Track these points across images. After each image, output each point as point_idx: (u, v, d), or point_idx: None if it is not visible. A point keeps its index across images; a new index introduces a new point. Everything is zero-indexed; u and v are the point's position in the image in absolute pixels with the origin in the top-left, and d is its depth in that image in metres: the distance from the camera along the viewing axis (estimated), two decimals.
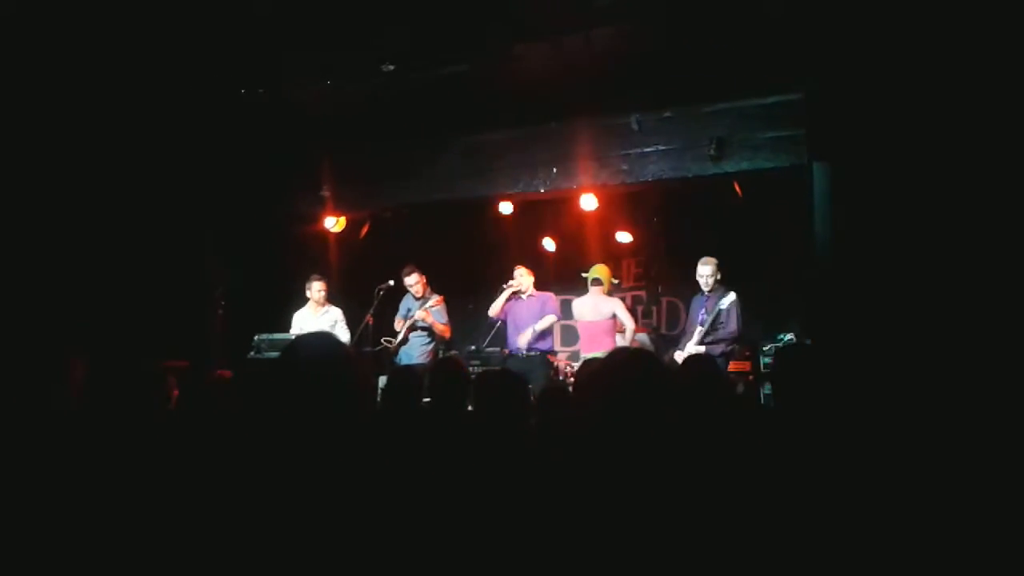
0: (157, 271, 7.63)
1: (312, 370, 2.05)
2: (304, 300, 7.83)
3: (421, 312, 7.46)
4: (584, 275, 7.48)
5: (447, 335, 7.68)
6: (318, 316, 7.69)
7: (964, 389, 4.60)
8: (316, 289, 7.73)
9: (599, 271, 7.41)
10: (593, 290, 7.37)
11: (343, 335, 7.41)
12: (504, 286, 7.73)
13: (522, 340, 7.46)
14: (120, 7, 5.86)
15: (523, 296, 7.73)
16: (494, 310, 7.74)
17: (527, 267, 7.83)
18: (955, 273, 5.35)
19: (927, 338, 5.19)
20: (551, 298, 7.77)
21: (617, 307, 7.32)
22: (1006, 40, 5.26)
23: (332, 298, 7.93)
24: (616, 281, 7.51)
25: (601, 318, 7.28)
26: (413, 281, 7.61)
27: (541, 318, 7.55)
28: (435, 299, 7.57)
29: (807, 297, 6.67)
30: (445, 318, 7.68)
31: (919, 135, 5.59)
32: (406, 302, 7.79)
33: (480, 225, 8.78)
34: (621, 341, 7.22)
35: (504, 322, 7.78)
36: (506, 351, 7.67)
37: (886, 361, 5.09)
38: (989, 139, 5.34)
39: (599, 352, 6.40)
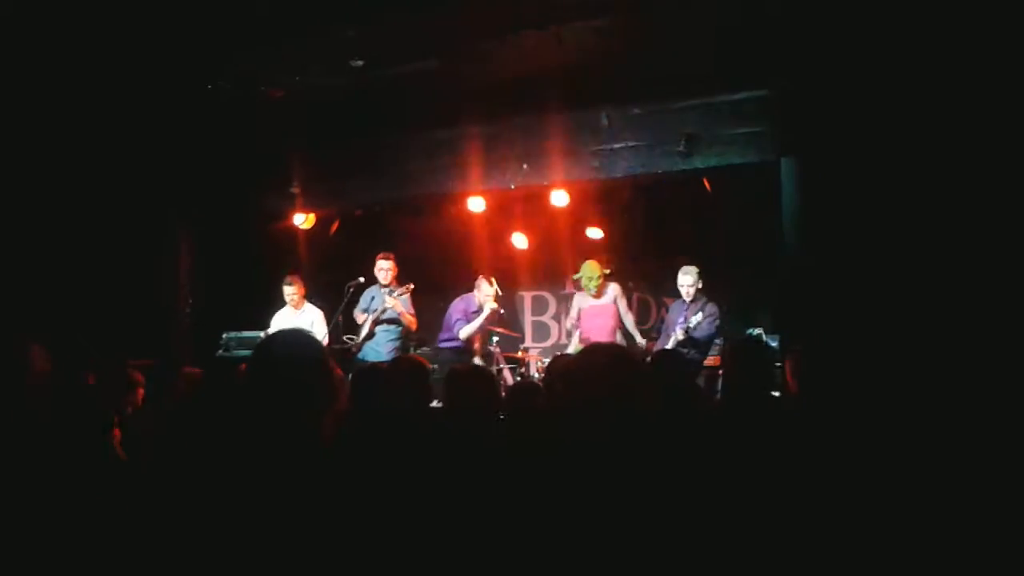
0: (123, 267, 7.52)
1: (286, 367, 2.03)
2: (283, 300, 7.75)
3: (391, 299, 7.34)
4: (576, 277, 7.46)
5: (414, 327, 7.58)
6: (296, 316, 7.61)
7: (933, 380, 4.65)
8: (288, 292, 7.64)
9: (588, 270, 7.33)
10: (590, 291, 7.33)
11: (320, 336, 7.32)
12: (483, 300, 7.66)
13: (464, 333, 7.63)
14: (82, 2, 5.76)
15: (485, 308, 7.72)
16: (466, 335, 7.67)
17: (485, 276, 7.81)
18: (922, 266, 5.42)
19: (895, 330, 5.24)
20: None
21: (618, 293, 7.35)
22: (972, 37, 5.33)
23: (309, 297, 7.82)
24: (608, 271, 7.41)
25: (605, 303, 7.31)
26: (387, 266, 7.49)
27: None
28: (403, 288, 7.47)
29: (776, 292, 6.73)
30: (412, 309, 7.59)
31: (886, 130, 5.66)
32: (369, 294, 7.67)
33: (451, 222, 8.74)
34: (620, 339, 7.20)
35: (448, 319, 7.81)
36: (422, 349, 7.70)
37: (855, 353, 5.14)
38: (956, 133, 5.41)
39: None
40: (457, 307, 7.74)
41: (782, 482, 2.67)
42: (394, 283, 7.50)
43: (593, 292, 7.28)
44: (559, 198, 7.57)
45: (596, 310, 7.32)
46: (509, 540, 2.15)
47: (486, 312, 7.61)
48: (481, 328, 7.71)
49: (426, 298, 7.99)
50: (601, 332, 7.14)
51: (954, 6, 5.34)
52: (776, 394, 5.75)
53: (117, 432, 3.20)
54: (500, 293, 7.93)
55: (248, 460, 1.97)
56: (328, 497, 1.91)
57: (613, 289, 7.36)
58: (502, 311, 7.91)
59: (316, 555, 1.86)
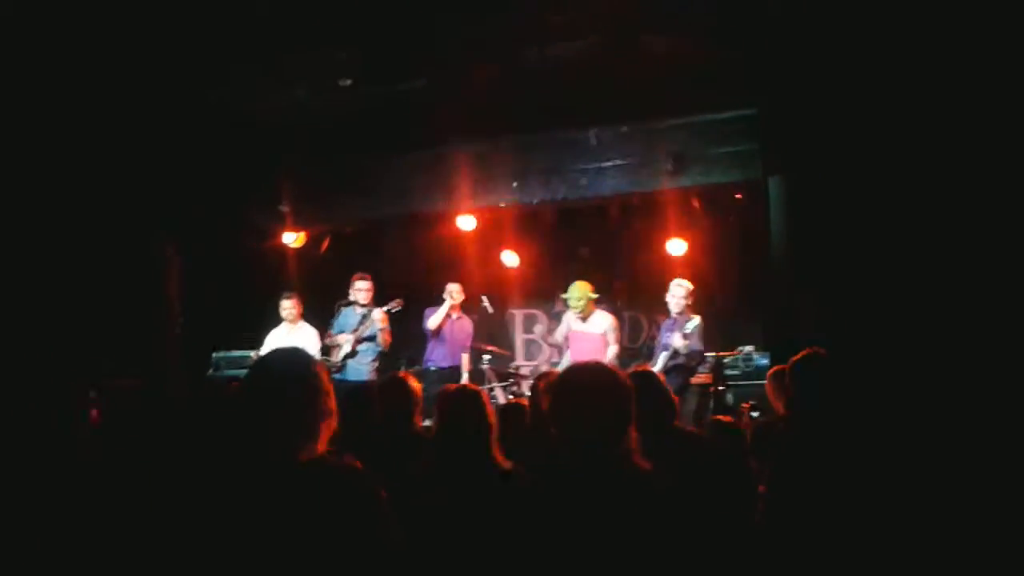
0: (112, 287, 7.48)
1: (283, 383, 2.04)
2: (277, 319, 7.72)
3: (379, 312, 7.31)
4: (563, 296, 7.32)
5: (386, 345, 7.50)
6: (291, 335, 7.57)
7: (923, 393, 4.67)
8: (285, 308, 7.61)
9: (575, 291, 7.17)
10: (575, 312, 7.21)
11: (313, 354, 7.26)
12: (446, 297, 7.63)
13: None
14: (72, 15, 5.76)
15: (453, 315, 7.70)
16: (434, 324, 7.61)
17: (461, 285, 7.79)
18: (910, 281, 5.45)
19: (884, 347, 5.27)
20: (470, 323, 7.89)
21: (610, 326, 7.18)
22: (959, 58, 5.39)
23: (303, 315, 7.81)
24: (595, 296, 7.23)
25: (591, 331, 7.14)
26: (365, 287, 7.46)
27: (466, 340, 7.78)
28: (394, 303, 7.44)
29: (766, 308, 6.76)
30: (386, 325, 7.51)
31: (872, 148, 5.70)
32: (343, 315, 7.59)
33: (441, 240, 8.76)
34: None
35: (426, 336, 7.76)
36: (415, 368, 7.66)
37: (846, 369, 5.15)
38: (943, 152, 5.46)
39: None
40: (427, 312, 7.74)
41: (771, 501, 2.68)
42: (371, 305, 7.48)
43: (579, 314, 7.14)
44: (548, 216, 7.58)
45: (584, 336, 7.16)
46: (496, 560, 2.15)
47: (447, 303, 7.58)
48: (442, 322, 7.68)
49: (416, 317, 7.98)
50: (585, 357, 7.02)
51: (941, 27, 5.40)
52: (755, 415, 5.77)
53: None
54: (492, 310, 7.95)
55: (239, 478, 1.97)
56: (317, 513, 1.92)
57: (605, 321, 7.18)
58: (490, 309, 7.85)
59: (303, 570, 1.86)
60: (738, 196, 7.36)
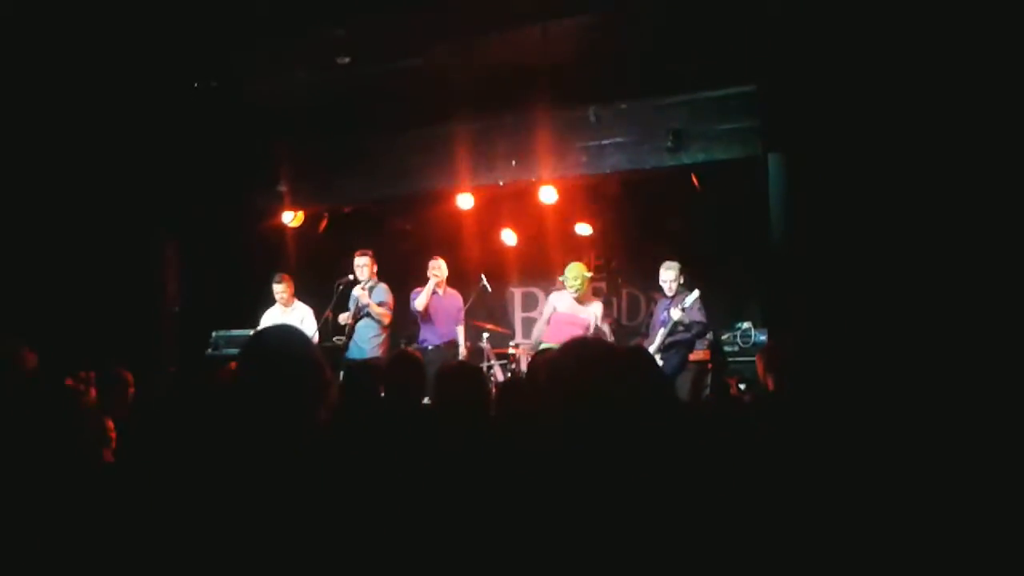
0: (110, 268, 7.49)
1: (276, 360, 2.04)
2: (273, 298, 7.73)
3: (359, 290, 7.32)
4: (561, 279, 7.15)
5: (386, 319, 7.46)
6: (286, 314, 7.59)
7: (921, 373, 4.68)
8: (277, 291, 7.62)
9: (572, 271, 7.01)
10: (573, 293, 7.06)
11: (308, 334, 7.29)
12: (430, 275, 7.58)
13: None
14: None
15: (439, 291, 7.65)
16: (421, 304, 7.54)
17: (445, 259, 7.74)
18: (910, 259, 5.46)
19: (884, 323, 5.28)
20: (459, 297, 7.82)
21: (600, 313, 7.09)
22: (956, 31, 5.37)
23: (298, 294, 7.81)
24: (589, 274, 7.17)
25: (580, 316, 6.99)
26: (364, 263, 7.43)
27: (458, 314, 7.70)
28: (358, 288, 7.42)
29: (764, 285, 6.76)
30: (386, 298, 7.51)
31: (872, 124, 5.69)
32: (353, 294, 7.60)
33: (440, 219, 8.75)
34: None
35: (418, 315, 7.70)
36: (413, 345, 7.61)
37: (844, 346, 5.18)
38: (941, 127, 5.45)
39: None
40: (413, 295, 7.69)
41: (763, 479, 2.69)
42: (372, 277, 7.49)
43: (575, 295, 6.99)
44: (548, 194, 7.56)
45: (570, 318, 6.98)
46: (496, 537, 2.16)
47: (432, 281, 7.54)
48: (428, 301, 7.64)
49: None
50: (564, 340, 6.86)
51: (940, 4, 5.39)
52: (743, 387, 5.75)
53: (112, 435, 3.19)
54: (490, 289, 7.95)
55: (240, 454, 1.98)
56: (318, 491, 1.93)
57: (596, 308, 7.08)
58: (489, 288, 7.86)
59: (305, 548, 1.87)
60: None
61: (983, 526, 2.75)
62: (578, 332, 6.82)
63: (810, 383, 3.13)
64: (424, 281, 7.60)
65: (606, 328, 7.16)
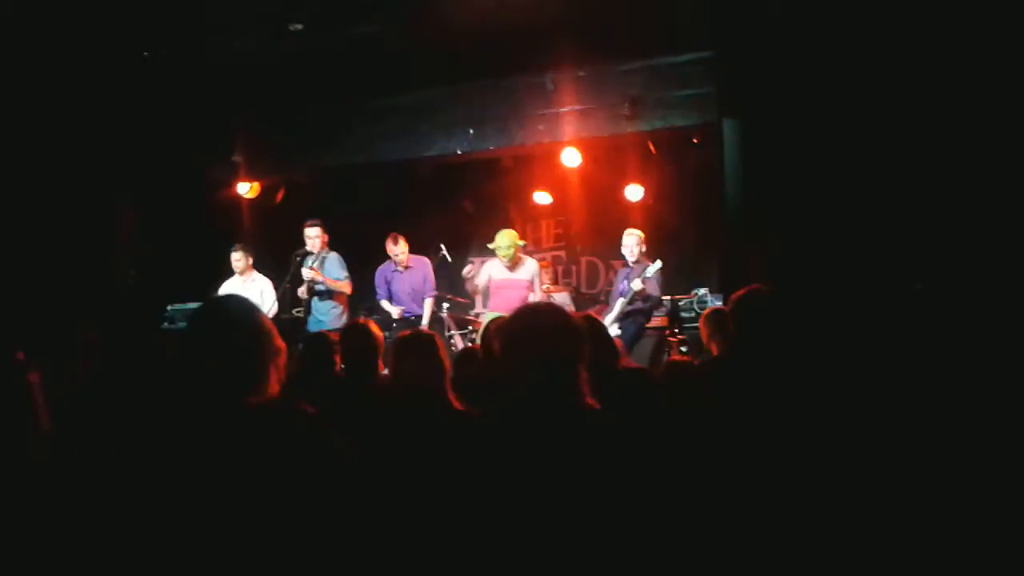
0: (64, 239, 7.34)
1: (222, 331, 2.03)
2: (231, 270, 7.64)
3: (308, 272, 7.24)
4: (491, 246, 7.16)
5: (347, 290, 7.41)
6: (244, 285, 7.50)
7: (876, 333, 4.75)
8: (234, 259, 7.54)
9: (503, 239, 7.03)
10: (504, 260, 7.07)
11: (268, 305, 7.22)
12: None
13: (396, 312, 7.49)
14: None
15: (400, 268, 7.58)
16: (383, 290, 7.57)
17: (399, 233, 7.61)
18: (861, 222, 5.54)
19: (835, 290, 5.36)
20: (427, 264, 7.71)
21: (536, 272, 7.13)
22: (912, 5, 5.43)
23: (256, 267, 7.72)
24: (522, 243, 7.18)
25: (518, 278, 7.07)
26: (314, 234, 7.33)
27: (423, 286, 7.59)
28: (331, 255, 7.37)
29: (720, 251, 6.83)
30: (343, 272, 7.42)
31: (826, 91, 5.73)
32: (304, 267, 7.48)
33: (399, 189, 8.69)
34: None
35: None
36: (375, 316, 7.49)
37: (797, 312, 5.24)
38: (895, 92, 5.51)
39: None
40: (378, 276, 7.64)
41: (717, 446, 2.73)
42: (324, 249, 7.39)
43: (507, 263, 7.02)
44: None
45: (509, 283, 7.06)
46: (447, 506, 2.17)
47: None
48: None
49: (375, 266, 7.93)
50: (511, 305, 6.63)
51: None
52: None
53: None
54: (450, 259, 7.92)
55: (184, 424, 1.97)
56: (265, 462, 1.92)
57: (532, 266, 7.15)
58: (449, 258, 7.82)
59: (254, 521, 1.87)
60: (695, 140, 7.36)
61: (939, 494, 2.82)
62: (522, 294, 6.96)
63: (768, 346, 3.12)
64: (380, 252, 7.56)
65: (564, 295, 7.20)
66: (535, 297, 7.03)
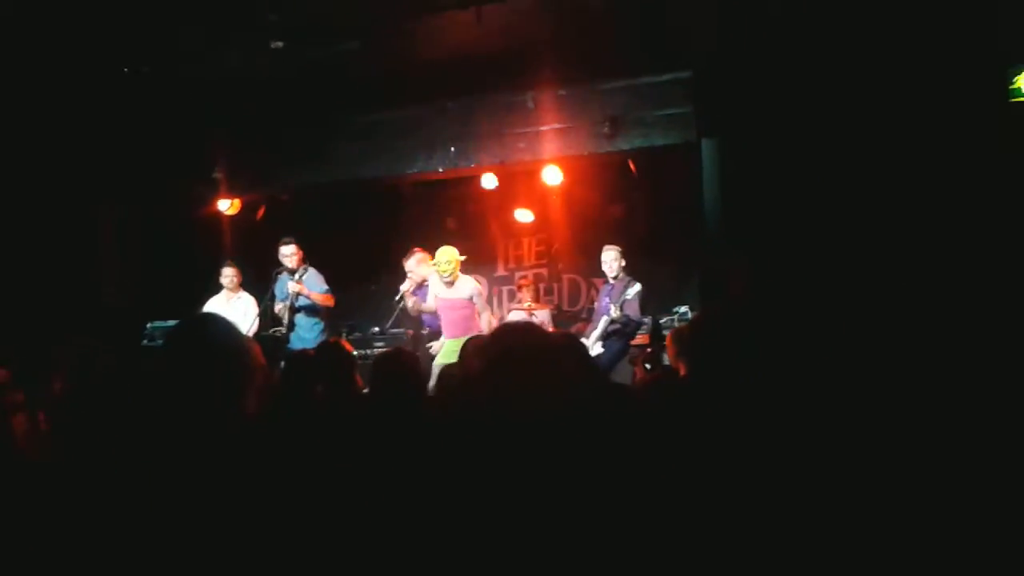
0: (44, 256, 7.30)
1: (199, 349, 2.02)
2: (214, 287, 7.60)
3: (294, 285, 7.18)
4: (432, 263, 6.80)
5: (330, 303, 7.33)
6: (230, 303, 7.47)
7: (856, 349, 4.78)
8: (226, 275, 7.50)
9: (443, 255, 6.72)
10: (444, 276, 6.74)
11: (249, 322, 7.19)
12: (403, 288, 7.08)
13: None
14: None
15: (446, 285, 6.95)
16: (429, 309, 7.07)
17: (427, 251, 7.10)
18: (839, 241, 5.60)
19: (816, 305, 5.40)
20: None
21: (475, 291, 6.79)
22: (883, 21, 5.51)
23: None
24: (462, 257, 6.81)
25: (457, 297, 6.74)
26: (289, 252, 7.25)
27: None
28: (291, 280, 7.24)
29: (700, 269, 6.87)
30: (323, 286, 7.33)
31: (804, 111, 5.81)
32: (280, 284, 7.42)
33: (381, 207, 8.68)
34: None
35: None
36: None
37: (778, 327, 5.27)
38: (873, 113, 5.59)
39: (461, 337, 5.95)
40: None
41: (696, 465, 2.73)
42: (301, 265, 7.33)
43: (448, 279, 6.67)
44: (488, 181, 7.55)
45: (449, 303, 6.76)
46: (424, 523, 2.17)
47: (407, 284, 7.05)
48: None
49: (357, 283, 7.94)
50: (457, 326, 6.64)
51: None
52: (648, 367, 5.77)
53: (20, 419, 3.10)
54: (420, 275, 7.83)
55: (163, 443, 1.96)
56: (243, 480, 1.91)
57: (469, 285, 6.78)
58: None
59: (232, 537, 1.86)
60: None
61: (920, 495, 2.83)
62: (464, 313, 6.69)
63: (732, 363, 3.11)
64: (365, 269, 7.53)
65: (546, 313, 7.16)
66: (485, 316, 6.82)
